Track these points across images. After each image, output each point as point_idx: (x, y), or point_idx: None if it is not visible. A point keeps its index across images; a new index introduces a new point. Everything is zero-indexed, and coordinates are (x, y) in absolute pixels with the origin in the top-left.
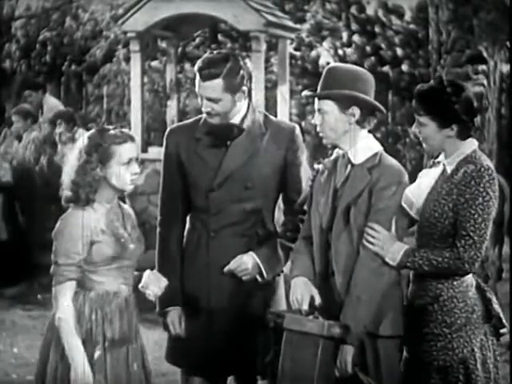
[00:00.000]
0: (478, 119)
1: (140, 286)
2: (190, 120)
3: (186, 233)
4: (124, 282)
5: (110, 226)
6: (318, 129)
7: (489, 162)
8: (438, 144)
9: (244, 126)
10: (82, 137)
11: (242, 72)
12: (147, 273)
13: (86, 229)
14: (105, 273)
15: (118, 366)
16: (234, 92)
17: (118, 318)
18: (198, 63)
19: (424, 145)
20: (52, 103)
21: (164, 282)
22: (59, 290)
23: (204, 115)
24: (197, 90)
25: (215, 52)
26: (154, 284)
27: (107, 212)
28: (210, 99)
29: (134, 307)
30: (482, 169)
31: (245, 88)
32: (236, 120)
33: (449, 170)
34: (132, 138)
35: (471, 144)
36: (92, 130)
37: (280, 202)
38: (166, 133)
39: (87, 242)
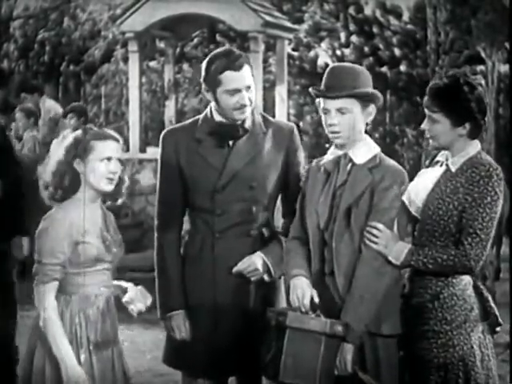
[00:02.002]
0: (486, 119)
1: (124, 300)
2: (187, 121)
3: (185, 234)
4: (104, 284)
5: (94, 227)
6: (336, 128)
7: (495, 163)
8: (448, 142)
9: (246, 125)
10: (68, 137)
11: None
12: (133, 288)
13: (71, 228)
14: (87, 275)
15: (103, 367)
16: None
17: (100, 321)
18: (223, 56)
19: (431, 141)
20: (50, 105)
21: (149, 298)
22: (43, 290)
23: (201, 116)
24: (228, 86)
25: (227, 46)
26: (140, 301)
27: (91, 213)
28: (248, 87)
29: (115, 309)
30: (491, 169)
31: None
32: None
33: (453, 169)
34: (115, 138)
35: (476, 145)
36: (78, 131)
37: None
38: (163, 134)
39: (72, 242)
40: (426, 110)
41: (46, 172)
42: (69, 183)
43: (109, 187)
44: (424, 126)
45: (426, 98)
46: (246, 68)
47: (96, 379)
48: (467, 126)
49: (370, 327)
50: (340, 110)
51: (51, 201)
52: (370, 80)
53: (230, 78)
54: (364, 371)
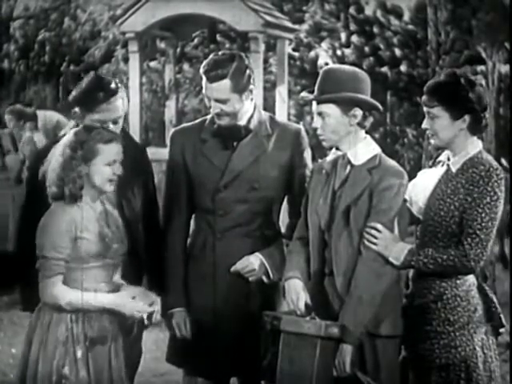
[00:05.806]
0: (487, 115)
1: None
2: (195, 121)
3: (191, 234)
4: (105, 280)
5: (93, 224)
6: (319, 132)
7: (496, 162)
8: (449, 137)
9: (251, 126)
10: (68, 133)
11: (248, 71)
12: (135, 295)
13: (71, 223)
14: (87, 271)
15: (99, 363)
16: (242, 92)
17: (98, 316)
18: (204, 65)
19: (432, 140)
20: (47, 115)
21: (151, 297)
22: (49, 283)
23: (209, 116)
24: (204, 91)
25: (220, 53)
26: (144, 301)
27: (92, 210)
28: (218, 100)
29: None
30: (491, 169)
31: (252, 87)
32: (243, 120)
33: (454, 169)
34: (118, 139)
35: (476, 144)
36: (79, 127)
37: (285, 203)
38: (171, 134)
39: (72, 237)
40: (424, 108)
41: (50, 172)
42: (71, 188)
43: (111, 188)
44: (424, 124)
45: (424, 96)
46: (224, 82)
47: (91, 374)
48: (467, 118)
49: (369, 328)
50: (320, 115)
51: (54, 200)
52: (361, 83)
53: (205, 86)
54: (364, 372)
